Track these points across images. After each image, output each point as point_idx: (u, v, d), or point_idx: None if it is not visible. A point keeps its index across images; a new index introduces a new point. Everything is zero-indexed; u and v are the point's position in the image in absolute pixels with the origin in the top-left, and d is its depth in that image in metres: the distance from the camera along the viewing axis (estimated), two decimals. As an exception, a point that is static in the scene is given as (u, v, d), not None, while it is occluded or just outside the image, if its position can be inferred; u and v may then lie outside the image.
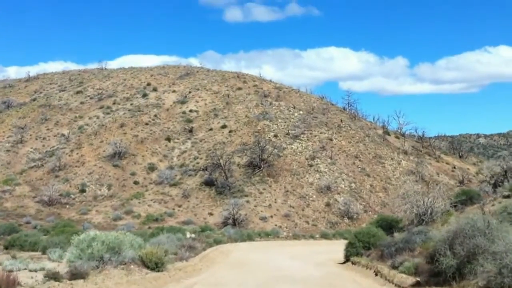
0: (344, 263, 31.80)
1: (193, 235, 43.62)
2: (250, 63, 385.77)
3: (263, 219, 66.49)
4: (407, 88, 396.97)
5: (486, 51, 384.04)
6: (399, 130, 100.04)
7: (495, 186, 34.21)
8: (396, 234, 28.73)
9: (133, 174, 79.09)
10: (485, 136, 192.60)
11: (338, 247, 40.43)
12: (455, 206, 29.25)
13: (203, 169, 77.65)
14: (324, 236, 58.48)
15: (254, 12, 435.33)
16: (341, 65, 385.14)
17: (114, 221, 65.16)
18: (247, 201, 70.17)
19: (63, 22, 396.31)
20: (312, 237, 57.81)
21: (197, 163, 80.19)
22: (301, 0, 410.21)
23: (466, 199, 29.72)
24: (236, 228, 62.69)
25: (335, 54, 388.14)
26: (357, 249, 30.12)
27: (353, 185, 76.10)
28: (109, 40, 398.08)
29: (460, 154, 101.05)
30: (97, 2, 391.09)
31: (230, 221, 65.12)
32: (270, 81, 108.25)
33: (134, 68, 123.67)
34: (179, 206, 70.64)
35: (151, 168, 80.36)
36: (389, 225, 33.32)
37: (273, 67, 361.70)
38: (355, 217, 69.41)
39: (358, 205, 71.38)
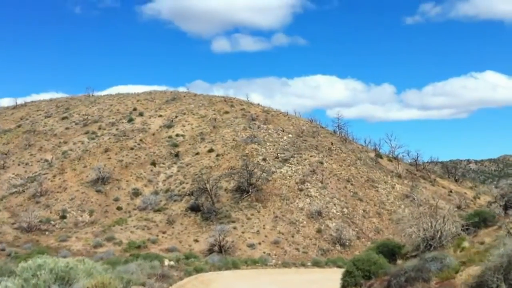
0: (340, 294, 27.81)
1: (171, 263, 39.47)
2: (238, 91, 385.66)
3: (251, 246, 62.34)
4: (395, 114, 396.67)
5: (472, 77, 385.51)
6: (391, 154, 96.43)
7: (506, 207, 30.32)
8: (400, 262, 24.83)
9: (116, 199, 74.80)
10: (476, 162, 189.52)
11: (332, 275, 36.59)
12: (466, 229, 25.42)
13: (188, 194, 73.55)
14: (316, 263, 54.42)
15: (241, 42, 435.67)
16: (328, 93, 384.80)
17: (94, 248, 60.73)
18: (234, 227, 66.07)
19: (53, 52, 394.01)
20: (303, 264, 53.79)
21: (183, 188, 76.05)
22: (287, 30, 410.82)
23: (479, 221, 25.80)
24: (222, 255, 58.73)
25: (321, 82, 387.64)
26: (356, 279, 26.00)
27: (345, 210, 72.15)
28: (98, 72, 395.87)
29: (456, 178, 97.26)
30: (85, 34, 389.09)
31: (216, 248, 61.02)
32: (258, 104, 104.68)
33: (121, 94, 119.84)
34: (163, 233, 66.37)
35: (135, 193, 76.14)
36: (391, 252, 29.24)
37: (261, 95, 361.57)
38: (347, 244, 65.32)
39: (350, 231, 67.32)
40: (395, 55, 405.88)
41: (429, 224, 24.82)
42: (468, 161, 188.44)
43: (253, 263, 52.27)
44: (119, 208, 73.10)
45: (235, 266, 46.50)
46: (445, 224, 24.45)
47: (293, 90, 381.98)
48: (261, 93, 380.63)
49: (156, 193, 75.92)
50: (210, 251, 60.81)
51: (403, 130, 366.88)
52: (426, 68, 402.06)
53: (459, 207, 76.41)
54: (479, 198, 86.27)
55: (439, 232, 24.41)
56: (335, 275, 30.71)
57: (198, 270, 38.46)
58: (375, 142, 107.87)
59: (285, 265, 53.08)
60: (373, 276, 25.35)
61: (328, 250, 63.47)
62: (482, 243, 22.02)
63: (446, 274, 16.50)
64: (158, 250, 60.88)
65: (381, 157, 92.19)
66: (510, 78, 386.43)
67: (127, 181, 78.75)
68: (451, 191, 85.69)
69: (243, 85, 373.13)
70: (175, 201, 73.60)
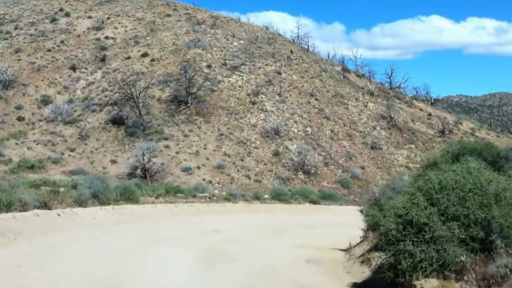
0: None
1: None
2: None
3: (187, 170, 43.79)
4: (344, 53, 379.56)
5: (419, 20, 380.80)
6: (358, 71, 77.93)
7: None
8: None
9: (18, 108, 54.50)
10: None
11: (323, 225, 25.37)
12: None
13: (111, 104, 53.72)
14: (278, 196, 35.87)
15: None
16: (279, 29, 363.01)
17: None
18: (167, 146, 47.16)
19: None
20: (257, 197, 35.15)
21: (105, 96, 56.04)
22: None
23: None
24: (146, 181, 40.12)
25: (274, 18, 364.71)
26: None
27: (308, 129, 53.79)
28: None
29: (432, 102, 79.43)
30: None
31: (139, 171, 42.27)
32: (206, 10, 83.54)
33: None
34: (72, 150, 47.05)
35: (45, 101, 55.79)
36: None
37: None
38: (313, 171, 47.43)
39: (316, 156, 49.22)
40: None
41: None
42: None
43: (176, 192, 33.19)
44: (20, 119, 53.03)
45: (133, 198, 27.01)
46: None
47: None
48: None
49: (71, 101, 55.78)
50: (131, 175, 42.32)
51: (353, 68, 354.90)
52: (376, 9, 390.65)
53: (442, 132, 59.62)
54: (461, 124, 69.40)
55: None
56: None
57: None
58: (341, 56, 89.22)
59: (229, 197, 34.28)
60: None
61: (288, 178, 45.41)
62: None
63: None
64: (59, 172, 41.93)
65: (348, 72, 73.54)
66: (455, 23, 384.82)
67: (36, 86, 58.16)
68: (430, 114, 68.16)
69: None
70: (93, 111, 53.77)
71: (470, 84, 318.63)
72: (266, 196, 36.39)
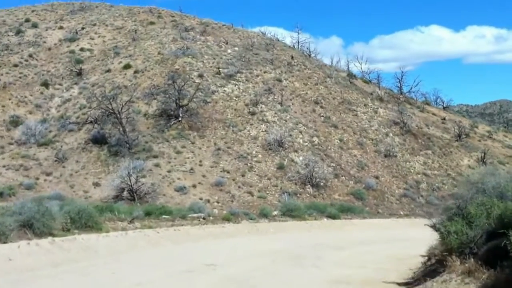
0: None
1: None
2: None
3: (181, 190, 43.00)
4: (343, 67, 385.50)
5: (418, 30, 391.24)
6: (364, 77, 77.72)
7: None
8: None
9: (-15, 131, 53.91)
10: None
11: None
12: None
13: (91, 122, 53.08)
14: (290, 212, 34.79)
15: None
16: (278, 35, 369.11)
17: None
18: (157, 165, 46.42)
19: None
20: (265, 215, 34.07)
21: (84, 113, 55.50)
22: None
23: None
24: (135, 203, 39.41)
25: (272, 33, 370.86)
26: None
27: (315, 139, 53.29)
28: None
29: (444, 106, 79.34)
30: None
31: (126, 193, 41.51)
32: (195, 17, 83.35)
33: (13, 6, 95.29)
34: (48, 175, 46.24)
35: (14, 122, 55.10)
36: None
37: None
38: (322, 184, 46.76)
39: (325, 167, 48.69)
40: (342, 7, 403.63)
41: None
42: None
43: (168, 213, 30.78)
44: (-13, 143, 52.34)
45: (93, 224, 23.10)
46: None
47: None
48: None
49: (44, 121, 55.19)
50: (118, 198, 41.54)
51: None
52: (373, 21, 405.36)
53: (459, 136, 59.41)
54: (477, 127, 69.32)
55: None
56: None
57: None
58: (346, 61, 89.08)
59: (230, 217, 32.99)
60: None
61: (295, 193, 44.68)
62: None
63: None
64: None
65: (355, 78, 73.31)
66: (454, 32, 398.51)
67: (3, 106, 57.51)
68: (444, 118, 67.96)
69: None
70: (70, 131, 53.11)
71: (471, 93, 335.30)
72: (275, 212, 35.18)
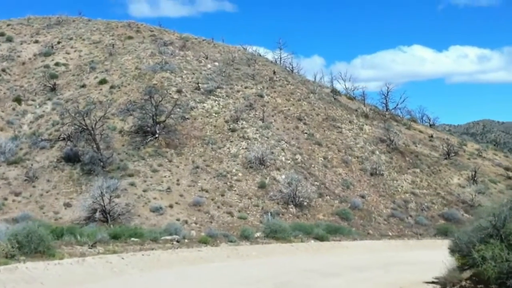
0: None
1: None
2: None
3: (157, 210, 40.78)
4: (326, 83, 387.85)
5: (400, 50, 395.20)
6: (349, 94, 75.97)
7: None
8: None
9: (-48, 149, 51.28)
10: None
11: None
12: None
13: (63, 139, 50.68)
14: (274, 234, 32.18)
15: (162, 6, 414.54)
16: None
17: None
18: (132, 184, 44.13)
19: None
20: (246, 237, 31.45)
21: (56, 130, 53.14)
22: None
23: None
24: (108, 225, 37.17)
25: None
26: None
27: (298, 157, 51.27)
28: None
29: (431, 123, 77.93)
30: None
31: (98, 214, 39.17)
32: (174, 32, 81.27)
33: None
34: (17, 195, 43.79)
35: (-17, 139, 52.66)
36: None
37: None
38: (306, 203, 44.77)
39: (309, 186, 46.66)
40: (324, 26, 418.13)
41: None
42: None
43: (131, 236, 26.92)
44: (-46, 162, 49.75)
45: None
46: None
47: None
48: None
49: (15, 138, 52.69)
50: (90, 219, 39.27)
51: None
52: (355, 41, 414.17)
53: (448, 155, 57.72)
54: (465, 145, 67.72)
55: None
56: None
57: None
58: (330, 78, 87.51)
59: (208, 240, 29.94)
60: None
61: (277, 213, 42.52)
62: None
63: None
64: (0, 220, 38.55)
65: (339, 94, 71.52)
66: (437, 52, 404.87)
67: (-28, 123, 55.11)
68: (431, 136, 66.29)
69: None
70: (42, 148, 50.68)
71: (454, 113, 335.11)
72: (258, 234, 32.72)
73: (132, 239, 26.18)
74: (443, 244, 36.46)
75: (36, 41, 74.16)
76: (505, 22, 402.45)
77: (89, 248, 22.33)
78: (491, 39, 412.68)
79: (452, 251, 12.34)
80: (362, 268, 22.06)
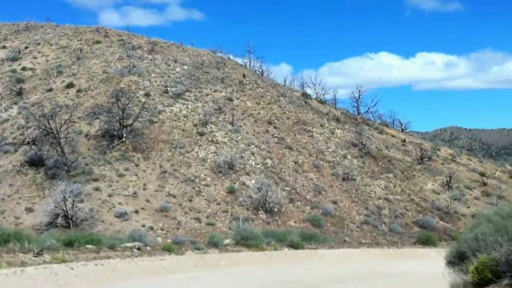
0: None
1: None
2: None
3: (122, 216, 39.61)
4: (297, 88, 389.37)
5: (367, 57, 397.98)
6: (319, 98, 75.41)
7: None
8: None
9: None
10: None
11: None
12: None
13: (28, 143, 49.22)
14: (245, 240, 29.97)
15: (132, 16, 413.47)
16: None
17: None
18: (97, 188, 42.91)
19: None
20: (215, 244, 29.30)
21: (21, 134, 51.70)
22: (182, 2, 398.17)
23: None
24: (70, 231, 35.66)
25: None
26: None
27: (268, 161, 50.43)
28: None
29: (403, 128, 77.63)
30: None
31: (61, 220, 37.86)
32: (143, 36, 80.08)
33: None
34: (-24, 201, 42.30)
35: None
36: None
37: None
38: (276, 209, 43.82)
39: (279, 191, 45.72)
40: (291, 34, 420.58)
41: None
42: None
43: (86, 243, 23.41)
44: None
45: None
46: None
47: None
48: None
49: (-23, 143, 51.16)
50: (51, 224, 38.03)
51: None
52: (322, 48, 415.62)
53: (421, 159, 57.26)
54: (439, 150, 67.27)
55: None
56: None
57: None
58: (300, 81, 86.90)
59: (172, 248, 27.36)
60: None
61: (247, 219, 41.53)
62: None
63: None
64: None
65: (310, 98, 70.89)
66: (404, 59, 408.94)
67: None
68: (404, 140, 65.81)
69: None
70: (6, 152, 49.20)
71: (421, 120, 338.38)
72: (227, 241, 30.69)
73: (88, 246, 23.68)
74: (426, 253, 35.37)
75: (4, 47, 72.86)
76: (472, 28, 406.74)
77: (34, 256, 19.66)
78: (458, 45, 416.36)
79: (451, 262, 10.52)
80: (343, 279, 20.31)
